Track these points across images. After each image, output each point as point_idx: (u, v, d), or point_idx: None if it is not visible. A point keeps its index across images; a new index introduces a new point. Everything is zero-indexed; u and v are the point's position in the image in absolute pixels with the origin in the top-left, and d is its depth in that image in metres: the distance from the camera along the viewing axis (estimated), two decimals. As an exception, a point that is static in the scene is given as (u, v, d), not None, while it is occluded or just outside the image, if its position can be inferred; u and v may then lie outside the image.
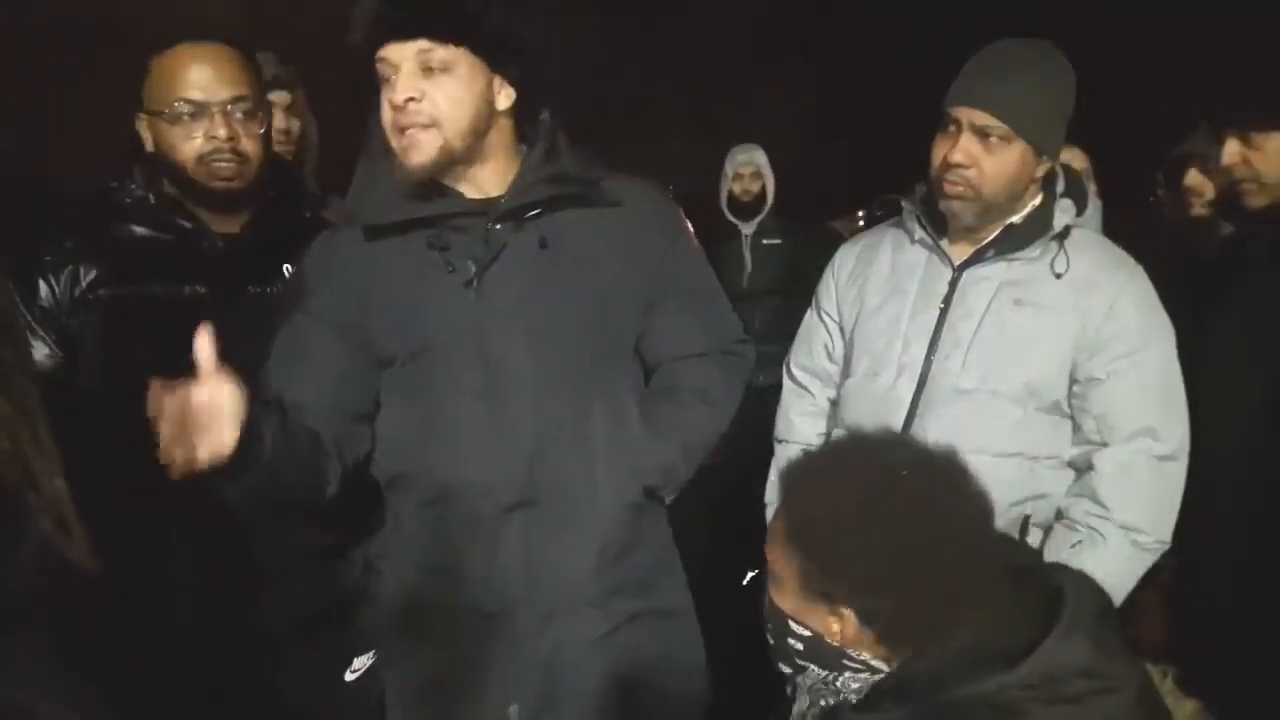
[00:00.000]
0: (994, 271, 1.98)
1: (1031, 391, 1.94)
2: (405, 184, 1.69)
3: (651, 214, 1.85)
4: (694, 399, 1.85)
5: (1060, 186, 2.02)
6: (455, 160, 1.68)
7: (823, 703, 1.32)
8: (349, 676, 2.04)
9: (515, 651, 1.75)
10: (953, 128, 1.93)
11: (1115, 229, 2.68)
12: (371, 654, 2.07)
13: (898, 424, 1.98)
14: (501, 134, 1.73)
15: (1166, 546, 1.95)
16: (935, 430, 1.92)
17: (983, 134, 1.90)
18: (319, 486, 1.71)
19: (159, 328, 1.82)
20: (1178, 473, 1.94)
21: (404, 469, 1.77)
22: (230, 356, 1.82)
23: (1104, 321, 1.92)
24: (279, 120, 2.49)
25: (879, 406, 2.01)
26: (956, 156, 1.92)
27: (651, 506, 1.85)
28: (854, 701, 1.27)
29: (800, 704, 1.38)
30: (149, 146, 1.88)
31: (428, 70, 1.62)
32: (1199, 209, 2.79)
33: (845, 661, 1.27)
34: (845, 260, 2.21)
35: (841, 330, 2.19)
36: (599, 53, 4.56)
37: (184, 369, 1.81)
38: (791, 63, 4.79)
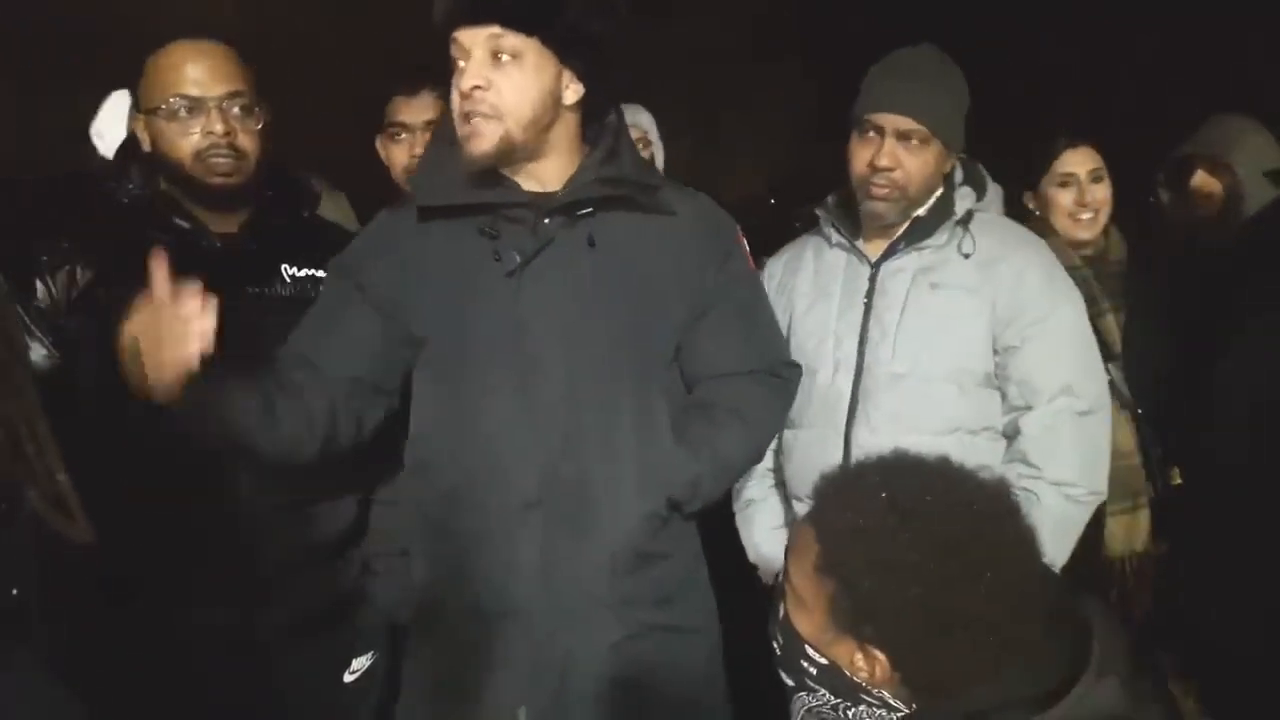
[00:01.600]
0: (908, 262, 2.10)
1: (961, 368, 2.04)
2: (467, 170, 1.69)
3: (706, 228, 1.85)
4: (730, 417, 1.83)
5: (959, 176, 2.15)
6: (516, 151, 1.68)
7: None
8: (348, 677, 2.04)
9: (527, 653, 1.73)
10: (872, 133, 2.05)
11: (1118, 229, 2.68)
12: (371, 654, 2.07)
13: (842, 416, 2.07)
14: (566, 129, 1.73)
15: (1102, 498, 2.08)
16: (877, 418, 2.03)
17: (905, 137, 2.03)
18: (285, 450, 1.70)
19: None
20: (1100, 425, 2.07)
21: (431, 456, 1.77)
22: (228, 355, 1.83)
23: (1012, 293, 2.04)
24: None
25: (822, 402, 2.10)
26: (884, 160, 2.04)
27: (676, 520, 1.82)
28: None
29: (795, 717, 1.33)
30: (146, 146, 1.88)
31: (497, 58, 1.63)
32: (1206, 210, 2.78)
33: (862, 695, 1.23)
34: (773, 271, 2.31)
35: None
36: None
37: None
38: (791, 63, 4.79)
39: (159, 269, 1.50)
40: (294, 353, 1.75)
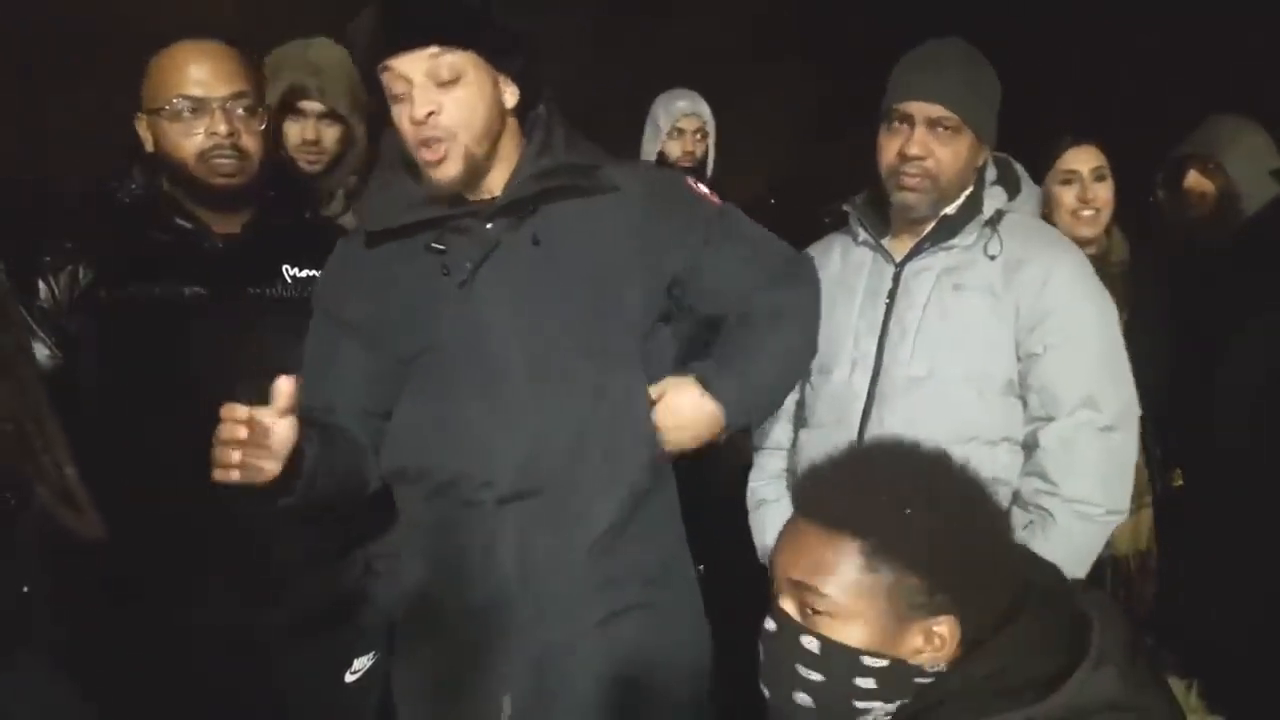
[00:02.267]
0: (933, 262, 2.04)
1: (981, 374, 1.97)
2: (413, 191, 1.72)
3: (652, 192, 1.84)
4: (772, 322, 1.86)
5: (991, 175, 2.10)
6: (479, 166, 1.70)
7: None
8: (349, 677, 2.04)
9: (509, 644, 1.75)
10: (901, 123, 2.00)
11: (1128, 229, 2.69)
12: (372, 654, 2.07)
13: (855, 417, 2.02)
14: (510, 133, 1.75)
15: (1122, 517, 1.98)
16: (891, 421, 1.96)
17: (936, 125, 1.97)
18: (360, 488, 1.81)
19: (159, 328, 1.83)
20: (1124, 442, 1.97)
21: (407, 463, 1.79)
22: (230, 356, 1.83)
23: (1037, 297, 1.97)
24: (308, 129, 2.44)
25: (836, 402, 2.05)
26: (914, 149, 1.98)
27: (655, 502, 1.84)
28: None
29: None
30: (148, 146, 1.88)
31: (440, 82, 1.63)
32: (1200, 210, 2.79)
33: (917, 680, 1.22)
34: None
35: None
36: (598, 52, 4.55)
37: (183, 369, 1.82)
38: (792, 63, 4.79)
39: (285, 385, 1.55)
40: (309, 405, 1.75)
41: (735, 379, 1.80)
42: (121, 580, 1.77)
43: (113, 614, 1.79)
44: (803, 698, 1.24)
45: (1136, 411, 2.00)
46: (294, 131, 2.41)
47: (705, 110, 3.54)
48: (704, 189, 1.96)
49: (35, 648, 1.27)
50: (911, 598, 1.19)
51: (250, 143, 1.86)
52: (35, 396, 1.09)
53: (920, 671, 1.21)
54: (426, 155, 1.66)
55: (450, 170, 1.67)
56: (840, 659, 1.21)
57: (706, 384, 1.78)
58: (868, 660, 1.20)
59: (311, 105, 2.43)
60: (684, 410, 1.78)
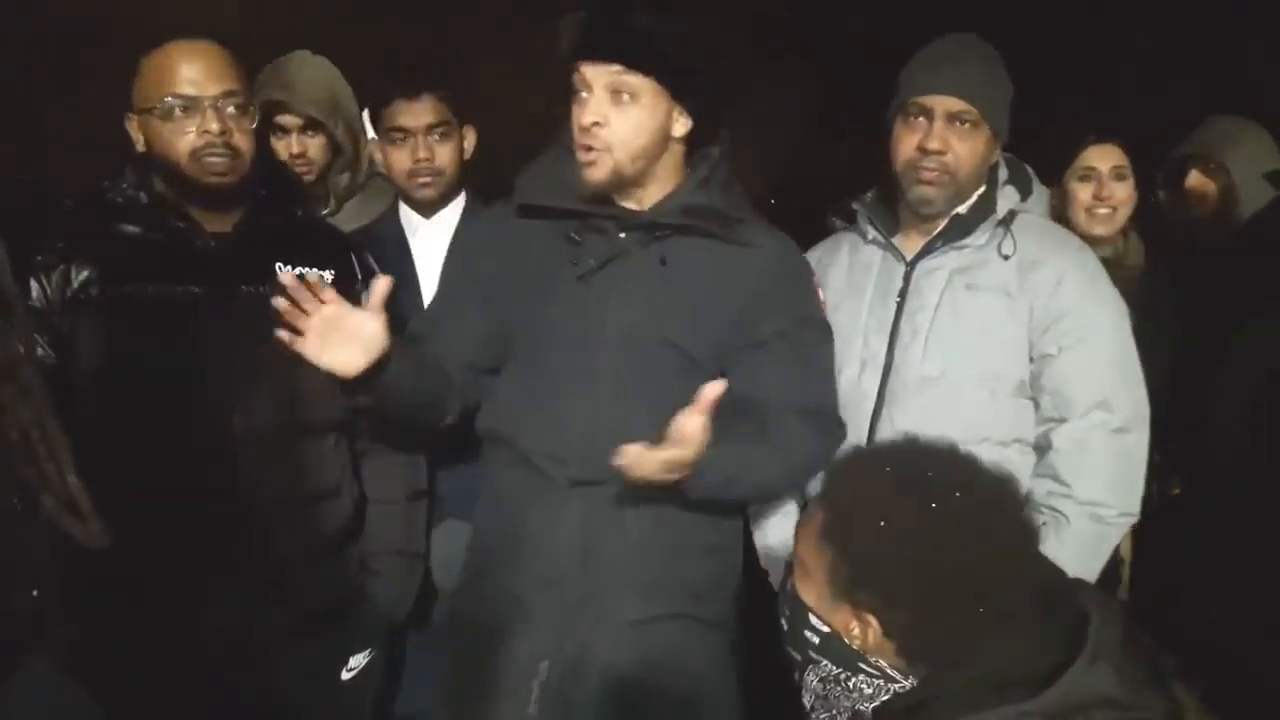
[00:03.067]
0: (945, 261, 2.04)
1: (994, 374, 1.97)
2: (570, 179, 1.83)
3: (784, 266, 1.93)
4: (772, 437, 1.85)
5: (1004, 174, 2.09)
6: (627, 181, 1.82)
7: (831, 696, 1.30)
8: (346, 675, 2.04)
9: (557, 618, 1.85)
10: (919, 117, 1.99)
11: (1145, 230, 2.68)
12: (368, 652, 2.07)
13: (865, 417, 2.02)
14: (672, 157, 1.86)
15: (1134, 519, 1.98)
16: (902, 421, 1.96)
17: (955, 119, 1.97)
18: (436, 417, 1.94)
19: (152, 327, 1.83)
20: (1136, 444, 1.97)
21: (499, 426, 1.93)
22: (224, 355, 1.83)
23: (1051, 298, 1.97)
24: (292, 144, 2.49)
25: (846, 401, 2.04)
26: (933, 143, 1.98)
27: (727, 521, 1.94)
28: (868, 714, 1.26)
29: (808, 696, 1.34)
30: (140, 146, 1.88)
31: (616, 95, 1.76)
32: (1201, 210, 2.78)
33: (861, 665, 1.25)
34: None
35: None
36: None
37: (177, 368, 1.82)
38: (793, 62, 4.78)
39: (382, 285, 1.72)
40: (418, 334, 1.95)
41: (721, 471, 1.77)
42: (122, 580, 1.77)
43: (117, 615, 1.79)
44: (782, 625, 1.35)
45: (1147, 412, 1.99)
46: (281, 148, 2.48)
47: None
48: (822, 295, 2.03)
49: (46, 650, 1.27)
50: (840, 582, 1.23)
51: (242, 141, 1.86)
52: (39, 403, 1.09)
53: (862, 658, 1.24)
54: (582, 155, 1.80)
55: (597, 175, 1.80)
56: (798, 610, 1.30)
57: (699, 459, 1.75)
58: (813, 619, 1.27)
59: (290, 119, 2.48)
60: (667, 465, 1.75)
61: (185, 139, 1.82)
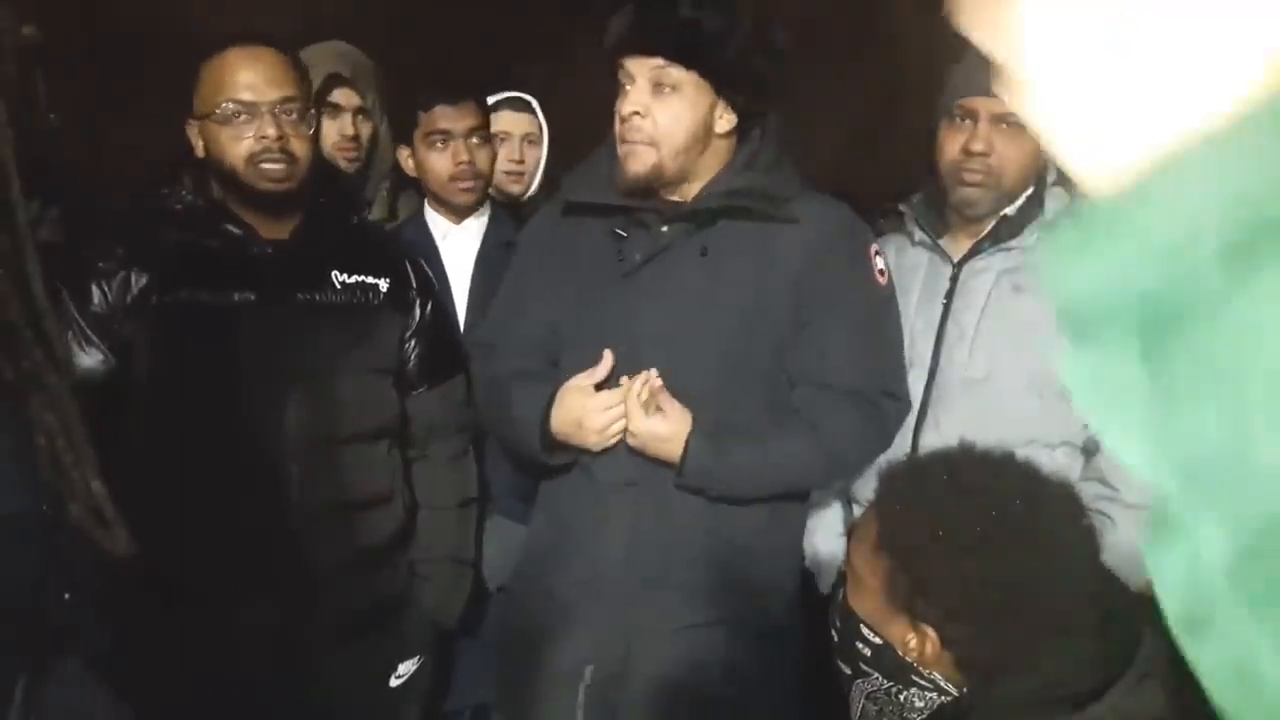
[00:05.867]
0: (992, 262, 2.03)
1: (1041, 377, 1.94)
2: (622, 188, 1.84)
3: (831, 235, 1.87)
4: (801, 429, 1.82)
5: (1052, 176, 2.07)
6: (667, 175, 1.81)
7: (883, 711, 1.28)
8: (394, 681, 2.04)
9: (603, 619, 1.84)
10: (964, 119, 1.99)
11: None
12: (417, 659, 2.07)
13: (910, 419, 2.00)
14: (716, 153, 1.84)
15: None
16: (947, 423, 1.95)
17: (1000, 121, 1.96)
18: None
19: (207, 334, 1.84)
20: None
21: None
22: (280, 362, 1.85)
23: None
24: (346, 126, 2.47)
25: None
26: (978, 145, 1.97)
27: (781, 520, 1.91)
28: None
29: (856, 709, 1.33)
30: (199, 152, 1.89)
31: (658, 87, 1.77)
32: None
33: (914, 677, 1.23)
34: None
35: None
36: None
37: (233, 374, 1.84)
38: (839, 64, 4.75)
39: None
40: (488, 340, 2.03)
41: (714, 456, 1.79)
42: (169, 581, 1.79)
43: (160, 617, 1.81)
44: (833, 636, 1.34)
45: None
46: (332, 129, 2.44)
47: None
48: (881, 264, 1.94)
49: (79, 655, 1.28)
50: (897, 593, 1.21)
51: (299, 147, 1.86)
52: (65, 411, 1.09)
53: (916, 670, 1.22)
54: (622, 148, 1.81)
55: (636, 168, 1.79)
56: (849, 622, 1.28)
57: (691, 440, 1.78)
58: (866, 631, 1.25)
59: (349, 97, 2.45)
60: (658, 437, 1.79)
61: (242, 144, 1.83)
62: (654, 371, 1.77)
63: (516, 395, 1.91)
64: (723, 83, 1.78)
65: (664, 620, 1.83)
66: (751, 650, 1.86)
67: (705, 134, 1.80)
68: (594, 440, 1.80)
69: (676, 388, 1.80)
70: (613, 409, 1.78)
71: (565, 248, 1.93)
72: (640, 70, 1.77)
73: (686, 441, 1.77)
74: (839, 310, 1.84)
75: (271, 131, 1.82)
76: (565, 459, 1.88)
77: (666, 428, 1.77)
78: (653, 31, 1.76)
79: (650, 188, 1.82)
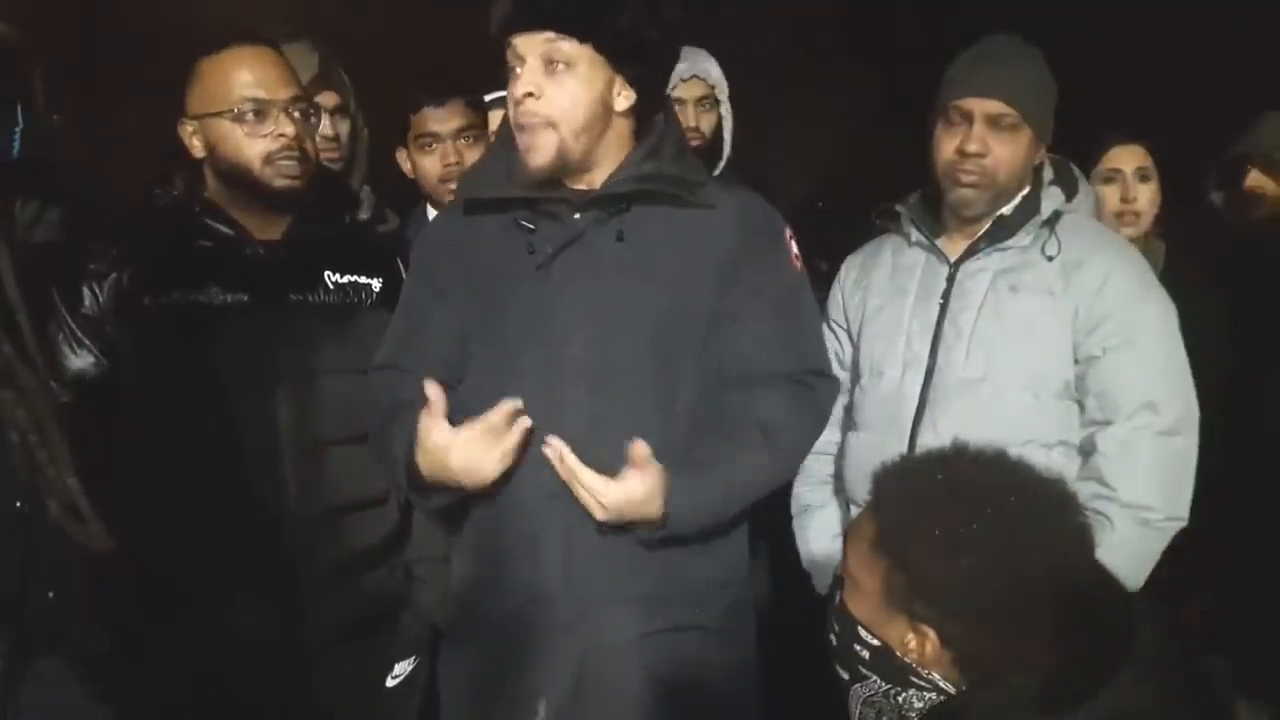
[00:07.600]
0: (989, 263, 2.03)
1: (1038, 376, 1.96)
2: (515, 167, 1.74)
3: (750, 222, 1.81)
4: (756, 437, 1.76)
5: (1049, 175, 2.08)
6: (571, 160, 1.72)
7: (881, 713, 1.29)
8: (390, 682, 2.04)
9: (548, 645, 1.74)
10: (959, 120, 2.00)
11: (1169, 231, 2.64)
12: (413, 659, 2.07)
13: (907, 420, 2.01)
14: (618, 134, 1.76)
15: (1182, 523, 1.94)
16: (944, 423, 1.95)
17: (995, 122, 1.97)
18: None
19: (201, 334, 1.84)
20: (1185, 447, 1.94)
21: None
22: (272, 362, 1.85)
23: (1096, 298, 1.95)
24: (325, 125, 2.43)
25: (888, 404, 2.04)
26: (972, 146, 1.98)
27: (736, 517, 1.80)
28: None
29: (854, 715, 1.33)
30: (198, 152, 1.87)
31: (551, 65, 1.67)
32: (1262, 211, 2.73)
33: (912, 678, 1.24)
34: (849, 270, 2.26)
35: (850, 337, 2.22)
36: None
37: (225, 375, 1.83)
38: (840, 64, 4.75)
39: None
40: (389, 365, 1.84)
41: (692, 495, 1.68)
42: (163, 584, 1.79)
43: (156, 619, 1.81)
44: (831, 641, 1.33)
45: (1196, 415, 1.97)
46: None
47: (713, 70, 2.79)
48: (796, 249, 1.89)
49: (65, 656, 1.27)
50: (895, 594, 1.21)
51: (311, 146, 1.87)
52: (37, 407, 1.09)
53: (914, 671, 1.22)
54: (522, 140, 1.70)
55: (540, 160, 1.70)
56: (847, 624, 1.28)
57: (670, 495, 1.66)
58: (864, 634, 1.25)
59: (328, 97, 2.42)
60: (634, 502, 1.65)
61: (258, 143, 1.82)
62: (559, 441, 1.64)
63: (396, 430, 1.75)
64: (616, 54, 1.68)
65: (612, 634, 1.73)
66: (713, 652, 1.79)
67: (605, 112, 1.71)
68: (466, 481, 1.67)
69: (609, 376, 1.71)
70: (474, 443, 1.64)
71: (466, 250, 1.81)
72: (531, 48, 1.67)
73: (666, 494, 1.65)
74: (765, 297, 1.79)
75: (290, 130, 1.82)
76: (443, 501, 1.76)
77: (643, 488, 1.63)
78: (544, 5, 1.66)
79: (556, 177, 1.74)
